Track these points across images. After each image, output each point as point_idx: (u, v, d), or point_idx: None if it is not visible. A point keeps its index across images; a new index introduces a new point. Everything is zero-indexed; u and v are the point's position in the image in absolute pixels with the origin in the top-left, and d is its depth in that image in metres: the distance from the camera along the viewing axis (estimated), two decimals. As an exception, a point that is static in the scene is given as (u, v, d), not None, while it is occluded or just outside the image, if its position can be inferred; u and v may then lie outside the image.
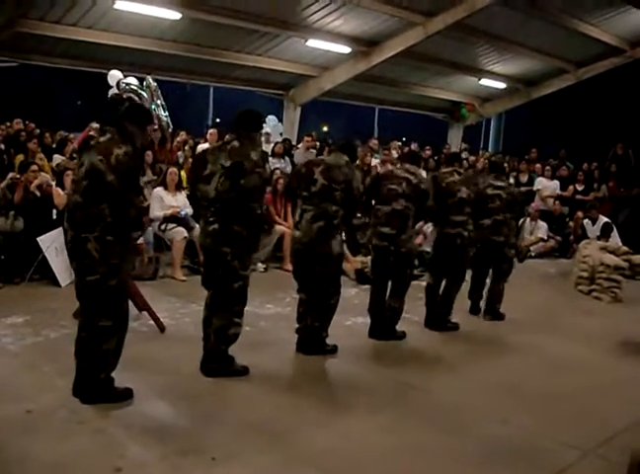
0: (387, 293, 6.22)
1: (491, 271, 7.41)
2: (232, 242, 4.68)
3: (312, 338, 5.56)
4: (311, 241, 5.39)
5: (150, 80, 9.37)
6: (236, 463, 3.61)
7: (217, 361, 4.85)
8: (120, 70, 9.40)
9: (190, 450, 3.71)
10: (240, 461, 3.63)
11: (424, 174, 8.71)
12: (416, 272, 7.41)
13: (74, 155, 9.47)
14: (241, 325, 4.89)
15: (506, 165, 12.97)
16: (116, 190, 3.99)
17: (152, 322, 5.79)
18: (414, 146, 13.72)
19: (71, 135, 10.76)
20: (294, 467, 3.63)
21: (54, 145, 10.29)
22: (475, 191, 6.80)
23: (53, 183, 7.88)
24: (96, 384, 4.19)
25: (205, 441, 3.84)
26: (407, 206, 6.03)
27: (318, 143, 13.01)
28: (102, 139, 4.17)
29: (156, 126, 9.44)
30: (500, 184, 7.21)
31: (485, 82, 17.26)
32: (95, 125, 10.48)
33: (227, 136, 5.07)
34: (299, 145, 12.76)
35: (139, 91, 9.19)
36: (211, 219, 4.72)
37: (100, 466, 3.47)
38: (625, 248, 9.94)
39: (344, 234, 5.91)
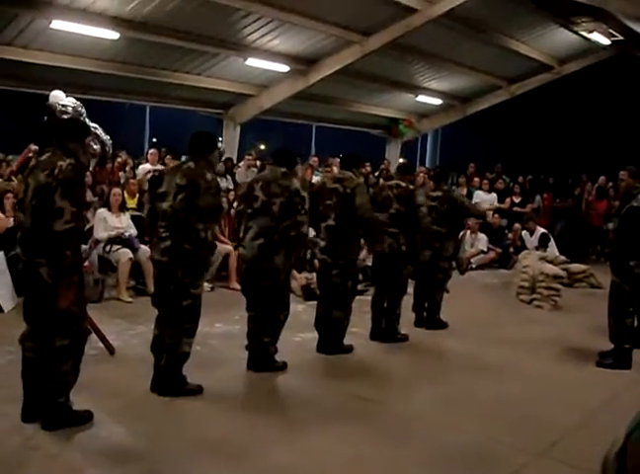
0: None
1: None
2: (183, 260, 4.70)
3: (262, 355, 5.58)
4: (254, 258, 5.44)
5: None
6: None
7: (171, 381, 4.83)
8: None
9: (147, 472, 3.68)
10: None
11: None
12: (360, 286, 7.52)
13: (12, 177, 9.30)
14: (191, 344, 4.89)
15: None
16: (67, 204, 3.92)
17: (101, 344, 5.71)
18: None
19: (9, 157, 10.53)
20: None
21: (-9, 168, 10.07)
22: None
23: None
24: (56, 408, 4.09)
25: (163, 462, 3.82)
26: (339, 221, 6.12)
27: (259, 162, 13.06)
28: (43, 157, 4.15)
29: (97, 147, 9.31)
30: (437, 194, 7.36)
31: (422, 99, 17.56)
32: (34, 147, 10.32)
33: (183, 158, 5.13)
34: (240, 164, 12.78)
35: (80, 111, 9.07)
36: (164, 236, 4.74)
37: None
38: (563, 257, 10.27)
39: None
